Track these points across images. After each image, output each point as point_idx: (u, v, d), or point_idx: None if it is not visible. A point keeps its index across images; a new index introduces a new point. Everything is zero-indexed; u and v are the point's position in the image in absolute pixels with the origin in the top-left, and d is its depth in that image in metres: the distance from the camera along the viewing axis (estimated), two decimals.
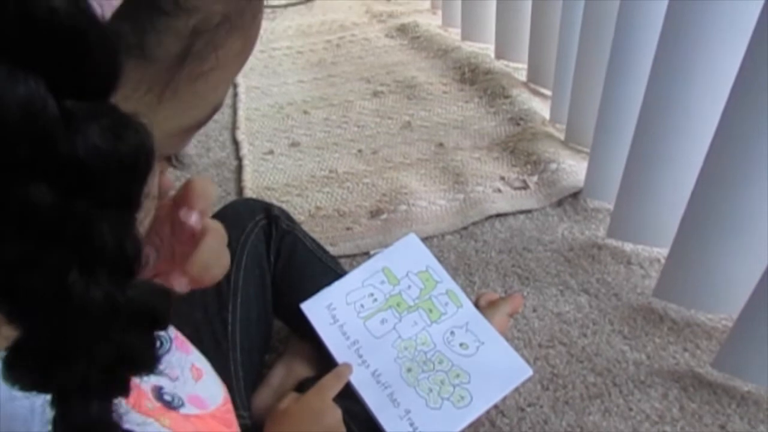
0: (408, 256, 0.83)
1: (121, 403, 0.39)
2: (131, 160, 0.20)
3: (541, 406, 0.86)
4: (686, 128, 0.87)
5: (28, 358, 0.22)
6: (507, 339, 0.81)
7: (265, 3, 0.28)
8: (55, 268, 0.20)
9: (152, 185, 0.28)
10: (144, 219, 0.29)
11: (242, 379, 0.71)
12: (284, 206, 1.20)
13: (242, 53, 0.27)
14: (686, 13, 0.79)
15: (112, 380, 0.24)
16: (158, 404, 0.40)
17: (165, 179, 0.32)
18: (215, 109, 0.28)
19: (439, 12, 1.96)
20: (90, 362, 0.23)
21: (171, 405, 0.41)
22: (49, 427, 0.23)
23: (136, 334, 0.24)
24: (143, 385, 0.41)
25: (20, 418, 0.27)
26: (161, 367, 0.26)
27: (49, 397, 0.22)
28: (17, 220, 0.19)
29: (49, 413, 0.23)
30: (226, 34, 0.25)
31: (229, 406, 0.47)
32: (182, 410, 0.41)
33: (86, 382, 0.23)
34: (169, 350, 0.43)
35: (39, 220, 0.19)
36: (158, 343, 0.25)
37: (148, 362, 0.25)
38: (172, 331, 0.45)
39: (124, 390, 0.25)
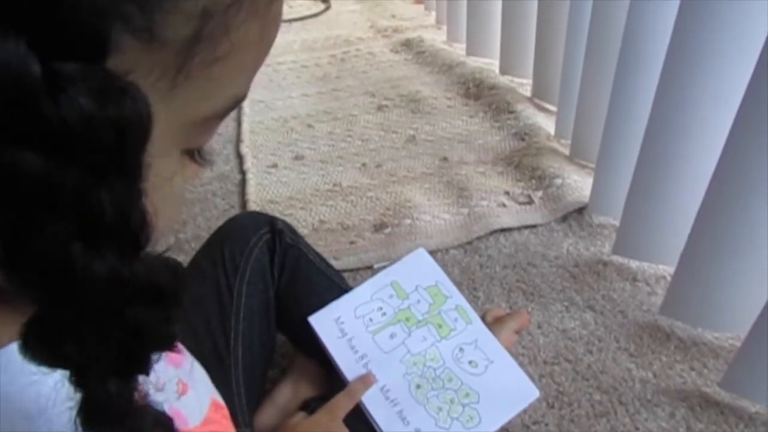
0: (417, 271, 0.83)
1: (147, 382, 0.39)
2: (121, 124, 0.20)
3: (547, 425, 0.84)
4: (694, 145, 0.87)
5: (41, 332, 0.21)
6: (512, 355, 0.80)
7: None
8: (56, 238, 0.20)
9: (166, 166, 0.27)
10: (161, 203, 0.28)
11: (244, 395, 0.70)
12: (288, 219, 1.19)
13: (260, 42, 0.26)
14: (695, 27, 0.79)
15: (127, 357, 0.24)
16: None
17: (191, 168, 0.30)
18: (236, 101, 0.27)
19: (444, 27, 1.97)
20: (101, 337, 0.22)
21: None
22: (71, 405, 0.23)
23: (147, 310, 0.23)
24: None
25: (43, 397, 0.26)
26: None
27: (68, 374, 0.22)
28: (6, 187, 0.18)
29: (71, 392, 0.22)
30: (238, 17, 0.24)
31: (211, 428, 0.46)
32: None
33: (100, 358, 0.22)
34: (158, 360, 0.43)
35: (30, 188, 0.18)
36: (172, 321, 0.25)
37: (164, 339, 0.25)
38: None
39: (143, 368, 0.25)
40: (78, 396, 0.22)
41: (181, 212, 0.31)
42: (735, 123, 0.74)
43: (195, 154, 0.30)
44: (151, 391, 0.41)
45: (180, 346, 0.46)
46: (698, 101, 0.83)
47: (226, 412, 0.48)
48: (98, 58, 0.19)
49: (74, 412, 0.23)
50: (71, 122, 0.18)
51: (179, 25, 0.22)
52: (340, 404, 0.68)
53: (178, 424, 0.42)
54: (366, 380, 0.71)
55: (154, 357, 0.43)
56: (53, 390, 0.25)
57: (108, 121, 0.19)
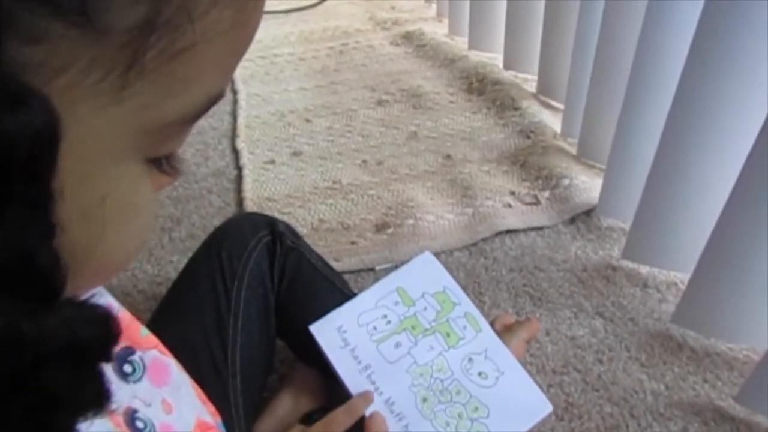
0: (424, 276, 0.79)
1: (137, 399, 0.35)
2: (6, 143, 0.16)
3: None
4: (716, 146, 0.83)
5: None
6: (522, 365, 0.76)
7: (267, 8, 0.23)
8: None
9: (124, 180, 0.22)
10: (121, 223, 0.23)
11: (242, 407, 0.66)
12: (286, 218, 1.16)
13: (235, 31, 0.21)
14: (720, 23, 0.75)
15: (45, 428, 0.20)
16: (127, 431, 0.36)
17: (159, 180, 0.26)
18: (211, 101, 0.23)
19: (446, 20, 1.93)
20: (4, 412, 0.18)
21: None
22: None
23: (65, 372, 0.19)
24: (125, 397, 0.38)
25: None
26: (113, 405, 0.22)
27: None
28: None
29: None
30: (203, 1, 0.19)
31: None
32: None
33: (11, 429, 0.19)
34: (139, 379, 0.40)
35: None
36: (101, 378, 0.21)
37: (90, 402, 0.21)
38: (149, 358, 0.42)
39: None
40: None
41: (149, 232, 0.27)
42: (765, 124, 0.70)
43: (163, 164, 0.25)
44: (142, 406, 0.38)
45: (166, 360, 0.43)
46: (722, 99, 0.79)
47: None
48: None
49: None
50: None
51: (125, 9, 0.18)
52: (338, 420, 0.64)
53: None
54: (367, 398, 0.67)
55: (135, 376, 0.40)
56: None
57: None
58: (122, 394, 0.38)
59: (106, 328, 0.20)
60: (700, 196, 0.89)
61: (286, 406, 0.75)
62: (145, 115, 0.21)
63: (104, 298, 0.41)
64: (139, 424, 0.38)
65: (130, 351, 0.40)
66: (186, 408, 0.44)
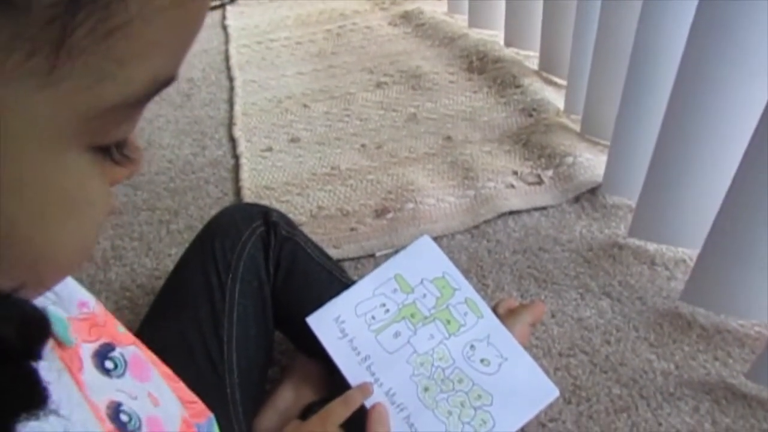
0: (422, 261, 0.76)
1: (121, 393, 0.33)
2: None
3: (564, 422, 0.80)
4: (723, 119, 0.80)
5: None
6: (527, 349, 0.74)
7: None
8: None
9: (64, 171, 0.21)
10: (60, 220, 0.22)
11: (240, 403, 0.65)
12: (284, 206, 1.14)
13: (174, 8, 0.20)
14: None
15: None
16: (111, 426, 0.36)
17: (113, 171, 0.24)
18: (159, 83, 0.21)
19: None
20: None
21: (126, 428, 0.37)
22: None
23: None
24: (97, 400, 0.37)
25: None
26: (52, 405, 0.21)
27: None
28: None
29: None
30: None
31: (197, 423, 0.43)
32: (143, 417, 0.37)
33: None
34: (122, 375, 0.39)
35: None
36: (32, 377, 0.20)
37: (17, 403, 0.20)
38: (129, 353, 0.41)
39: None
40: None
41: (99, 231, 0.25)
42: None
43: (113, 153, 0.23)
44: (127, 399, 0.37)
45: (145, 357, 0.42)
46: (729, 71, 0.76)
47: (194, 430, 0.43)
48: None
49: None
50: None
51: None
52: (335, 412, 0.63)
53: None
54: (365, 390, 0.66)
55: (117, 372, 0.39)
56: None
57: None
58: (105, 388, 0.37)
59: (28, 326, 0.19)
60: (707, 170, 0.86)
61: (286, 399, 0.74)
62: (81, 99, 0.19)
63: (80, 293, 0.40)
64: (124, 418, 0.37)
65: (109, 347, 0.39)
66: (170, 404, 0.43)
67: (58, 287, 0.37)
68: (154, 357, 0.44)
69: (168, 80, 0.22)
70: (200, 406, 0.46)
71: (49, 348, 0.33)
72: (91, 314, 0.39)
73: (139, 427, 0.37)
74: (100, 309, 0.41)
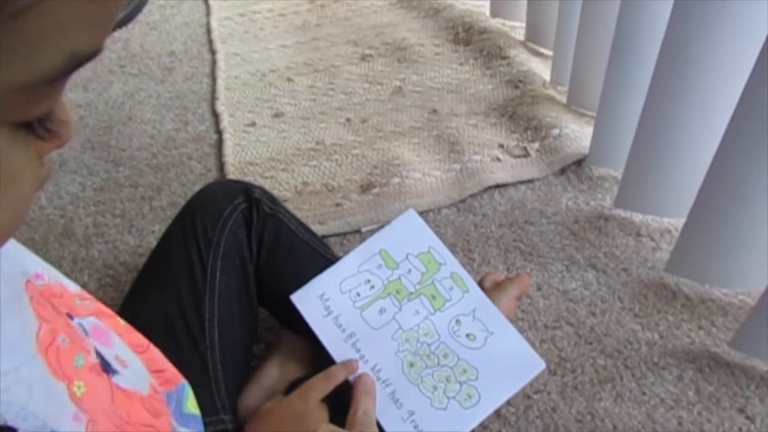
0: (407, 236, 0.76)
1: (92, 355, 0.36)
2: None
3: (549, 393, 0.80)
4: (707, 89, 0.80)
5: None
6: (513, 322, 0.74)
7: None
8: None
9: None
10: None
11: (223, 380, 0.64)
12: (269, 182, 1.13)
13: None
14: None
15: None
16: (95, 362, 0.38)
17: (36, 146, 0.24)
18: (76, 58, 0.21)
19: None
20: None
21: (108, 369, 0.39)
22: None
23: None
24: (87, 338, 0.38)
25: None
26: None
27: None
28: None
29: None
30: None
31: (158, 398, 0.44)
32: (114, 379, 0.39)
33: None
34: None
35: None
36: None
37: None
38: (89, 324, 0.42)
39: None
40: None
41: (29, 202, 0.25)
42: (756, 66, 0.66)
43: (36, 127, 0.23)
44: (95, 360, 0.38)
45: (105, 326, 0.43)
46: (713, 39, 0.75)
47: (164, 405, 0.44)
48: None
49: None
50: None
51: None
52: (316, 386, 0.63)
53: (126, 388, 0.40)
54: (348, 366, 0.66)
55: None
56: None
57: None
58: None
59: None
60: (692, 141, 0.85)
61: (272, 375, 0.74)
62: None
63: (36, 265, 0.40)
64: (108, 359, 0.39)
65: (68, 317, 0.39)
66: (138, 368, 0.43)
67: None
68: (121, 328, 0.45)
69: (89, 54, 0.21)
70: (169, 373, 0.46)
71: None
72: (46, 286, 0.40)
73: (117, 374, 0.38)
74: (55, 281, 0.41)
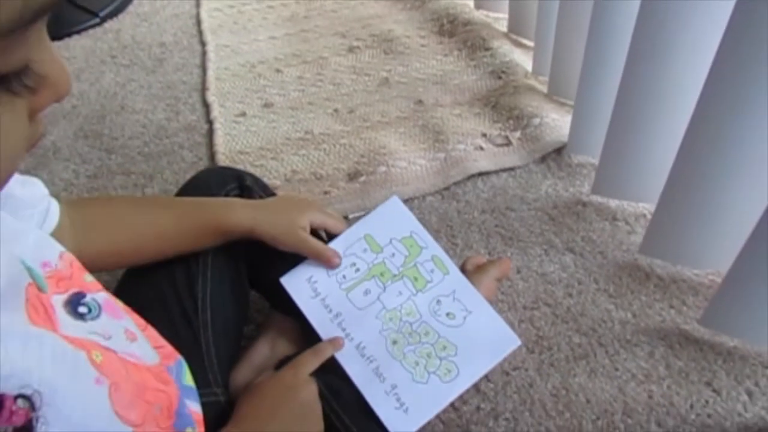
0: (391, 222, 0.79)
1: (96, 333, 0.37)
2: None
3: (527, 369, 0.84)
4: (674, 80, 0.84)
5: None
6: (493, 304, 0.78)
7: None
8: None
9: None
10: None
11: (215, 356, 0.68)
12: (259, 171, 1.16)
13: None
14: None
15: None
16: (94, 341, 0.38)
17: (18, 103, 0.24)
18: (31, 11, 0.21)
19: None
20: None
21: (109, 349, 0.40)
22: None
23: None
24: (80, 334, 0.39)
25: None
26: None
27: None
28: None
29: None
30: None
31: (164, 369, 0.46)
32: (120, 354, 0.40)
33: None
34: (98, 316, 0.41)
35: None
36: None
37: None
38: (101, 298, 0.43)
39: None
40: None
41: (15, 158, 0.26)
42: (717, 58, 0.70)
43: (13, 83, 0.23)
44: (101, 340, 0.40)
45: (115, 302, 0.45)
46: (680, 33, 0.79)
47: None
48: None
49: None
50: None
51: None
52: (306, 361, 0.66)
53: (136, 361, 0.42)
54: (336, 343, 0.69)
55: (92, 315, 0.41)
56: None
57: None
58: (78, 331, 0.39)
59: None
60: (663, 127, 0.89)
61: (262, 353, 0.77)
62: None
63: (44, 254, 0.41)
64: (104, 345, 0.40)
65: (80, 295, 0.41)
66: (144, 342, 0.45)
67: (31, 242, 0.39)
68: (124, 306, 0.47)
69: (45, 6, 0.21)
70: (168, 349, 0.49)
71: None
72: (54, 272, 0.41)
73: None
74: (63, 263, 0.43)
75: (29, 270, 0.37)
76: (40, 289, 0.36)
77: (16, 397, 0.28)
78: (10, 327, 0.31)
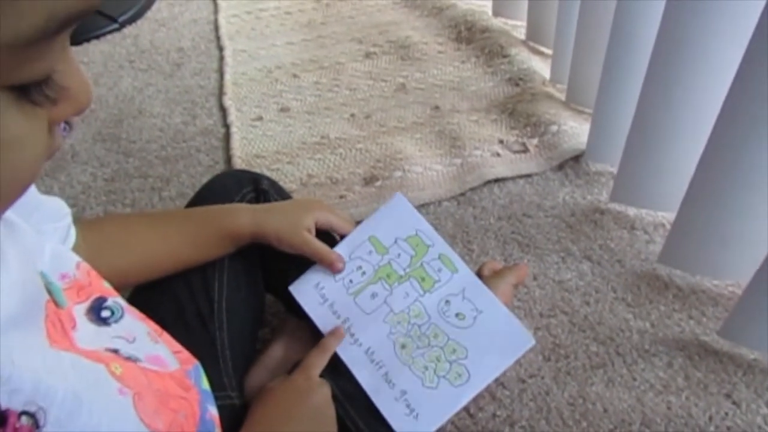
0: (396, 221, 0.77)
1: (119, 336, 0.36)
2: None
3: (543, 377, 0.83)
4: (697, 87, 0.83)
5: None
6: (509, 309, 0.77)
7: None
8: None
9: None
10: None
11: (230, 359, 0.67)
12: (275, 174, 1.16)
13: None
14: None
15: None
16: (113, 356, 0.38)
17: (37, 114, 0.24)
18: (57, 21, 0.21)
19: None
20: None
21: (129, 359, 0.40)
22: None
23: None
24: (103, 341, 0.39)
25: None
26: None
27: None
28: None
29: None
30: None
31: (184, 374, 0.45)
32: (140, 364, 0.40)
33: None
34: (121, 317, 0.41)
35: None
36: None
37: None
38: (122, 302, 0.43)
39: None
40: None
41: (34, 168, 0.25)
42: (742, 64, 0.69)
43: (32, 93, 0.23)
44: (125, 345, 0.40)
45: (133, 310, 0.45)
46: (702, 41, 0.78)
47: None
48: None
49: None
50: None
51: None
52: (314, 361, 0.66)
53: (158, 367, 0.42)
54: (337, 334, 0.69)
55: (115, 317, 0.41)
56: None
57: None
58: (101, 338, 0.39)
59: None
60: (684, 136, 0.88)
61: (276, 357, 0.77)
62: None
63: (62, 266, 0.41)
64: (125, 356, 0.40)
65: (102, 299, 0.41)
66: (165, 347, 0.45)
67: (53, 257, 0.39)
68: (140, 314, 0.47)
69: (70, 16, 0.21)
70: (186, 354, 0.48)
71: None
72: (73, 282, 0.41)
73: (140, 360, 0.40)
74: (81, 273, 0.42)
75: (49, 285, 0.37)
76: (57, 304, 0.36)
77: (20, 414, 0.28)
78: (30, 344, 0.31)
